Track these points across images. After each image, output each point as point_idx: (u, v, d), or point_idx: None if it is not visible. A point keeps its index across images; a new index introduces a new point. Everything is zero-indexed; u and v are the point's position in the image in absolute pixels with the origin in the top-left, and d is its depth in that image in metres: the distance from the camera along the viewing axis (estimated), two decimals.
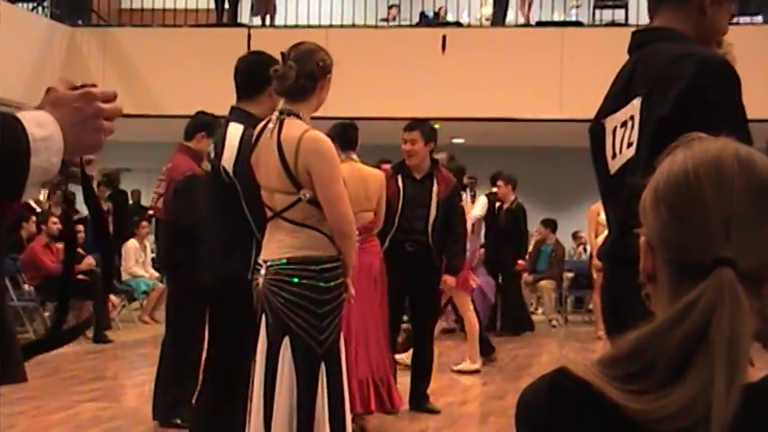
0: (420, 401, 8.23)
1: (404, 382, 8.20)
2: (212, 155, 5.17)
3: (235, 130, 5.03)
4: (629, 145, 2.91)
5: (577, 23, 16.06)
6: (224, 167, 5.00)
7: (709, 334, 1.30)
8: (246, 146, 4.89)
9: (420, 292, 8.01)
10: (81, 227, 13.26)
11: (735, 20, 14.97)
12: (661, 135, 2.72)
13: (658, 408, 1.28)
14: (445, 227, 8.01)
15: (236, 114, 5.13)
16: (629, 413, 1.30)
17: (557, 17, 16.25)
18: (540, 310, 16.23)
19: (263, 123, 4.74)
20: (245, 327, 4.90)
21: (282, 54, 4.71)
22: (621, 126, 2.97)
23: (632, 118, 2.92)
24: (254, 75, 5.13)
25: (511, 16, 16.36)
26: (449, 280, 8.12)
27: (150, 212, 7.14)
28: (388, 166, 8.23)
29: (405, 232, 7.87)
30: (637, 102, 2.91)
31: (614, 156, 3.00)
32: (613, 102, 3.05)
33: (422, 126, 8.05)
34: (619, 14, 16.23)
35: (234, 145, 4.98)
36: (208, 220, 5.34)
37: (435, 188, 7.99)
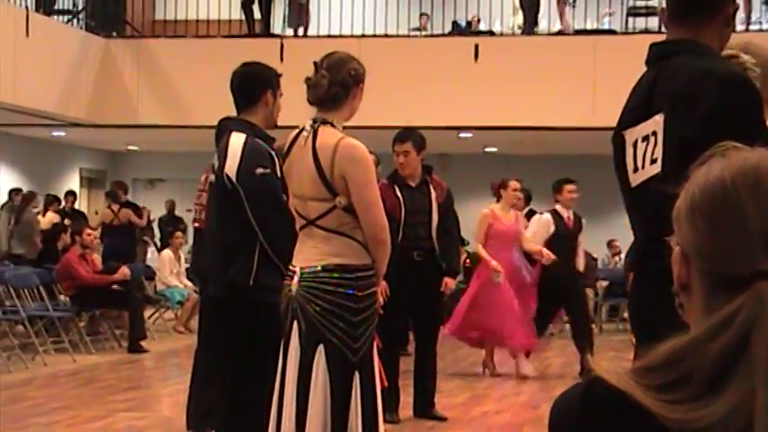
0: (426, 408, 8.21)
1: (448, 388, 8.14)
2: (216, 165, 5.26)
3: (237, 139, 5.17)
4: (653, 161, 2.92)
5: (610, 32, 16.00)
6: (227, 175, 5.11)
7: (750, 347, 1.27)
8: (249, 153, 5.07)
9: (427, 300, 8.06)
10: (94, 232, 13.30)
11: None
12: (689, 156, 2.75)
13: (696, 418, 1.26)
14: (444, 230, 8.10)
15: (238, 124, 5.30)
16: (664, 423, 1.28)
17: (589, 25, 16.21)
18: None
19: (294, 133, 4.76)
20: (248, 334, 5.08)
21: (315, 63, 4.73)
22: (643, 140, 2.97)
23: (654, 134, 2.92)
24: (248, 87, 5.35)
25: (543, 24, 16.32)
26: (450, 282, 8.21)
27: (195, 224, 7.20)
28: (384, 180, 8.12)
29: (410, 240, 7.90)
30: (659, 118, 2.91)
31: (636, 170, 3.00)
32: (633, 114, 3.05)
33: (412, 136, 8.07)
34: (652, 22, 16.13)
35: (237, 153, 5.11)
36: (211, 230, 5.50)
37: (433, 193, 8.07)
